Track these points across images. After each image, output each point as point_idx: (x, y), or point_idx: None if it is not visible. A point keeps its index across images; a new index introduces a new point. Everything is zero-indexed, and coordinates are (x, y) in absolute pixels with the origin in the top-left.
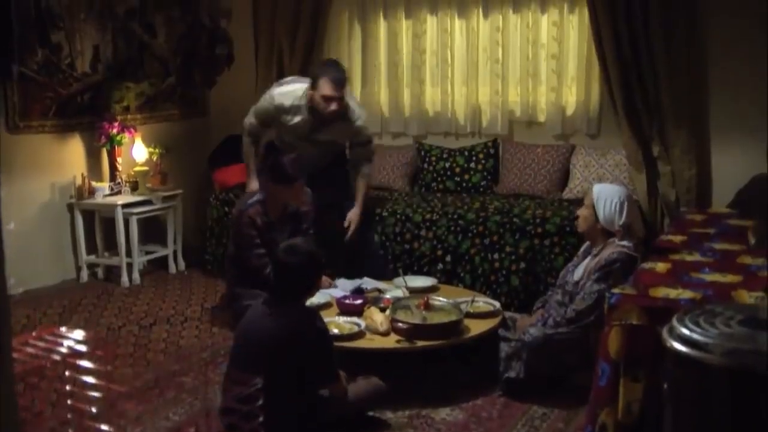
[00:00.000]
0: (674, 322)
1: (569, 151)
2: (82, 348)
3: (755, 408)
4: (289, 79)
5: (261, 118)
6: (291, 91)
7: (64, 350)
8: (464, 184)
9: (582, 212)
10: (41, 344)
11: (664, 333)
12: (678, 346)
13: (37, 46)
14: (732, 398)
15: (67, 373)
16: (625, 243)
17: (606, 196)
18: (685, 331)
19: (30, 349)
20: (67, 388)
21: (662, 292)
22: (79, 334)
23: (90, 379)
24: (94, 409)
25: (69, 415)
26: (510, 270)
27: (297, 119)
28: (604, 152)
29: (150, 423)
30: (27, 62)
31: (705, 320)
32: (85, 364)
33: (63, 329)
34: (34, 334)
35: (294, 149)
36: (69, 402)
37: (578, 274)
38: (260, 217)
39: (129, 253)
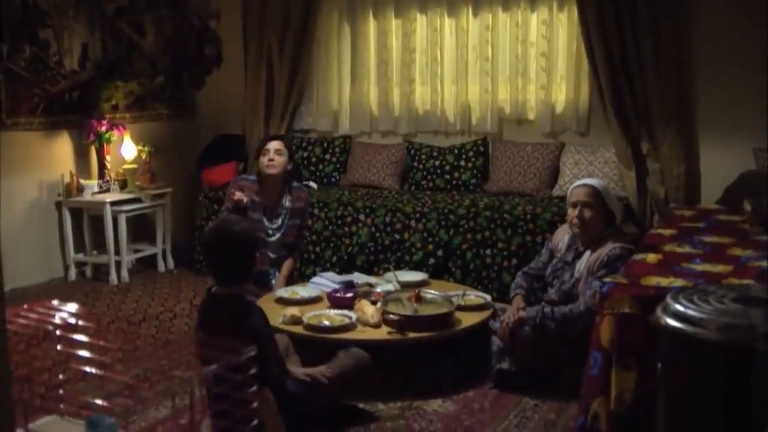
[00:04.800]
0: (668, 299)
1: (559, 149)
2: (74, 320)
3: (748, 384)
4: None
5: None
6: None
7: (57, 321)
8: (454, 182)
9: (586, 213)
10: (33, 315)
11: (658, 311)
12: (672, 322)
13: (25, 42)
14: (725, 374)
15: (59, 347)
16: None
17: (609, 190)
18: (680, 308)
19: (22, 320)
20: (59, 350)
21: (654, 281)
22: (72, 306)
23: (83, 352)
24: (87, 371)
25: (62, 376)
26: (501, 266)
27: None
28: (594, 150)
29: (141, 414)
30: (14, 59)
31: (699, 298)
32: (78, 336)
33: (55, 302)
34: (26, 306)
35: None
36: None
37: (578, 271)
38: (253, 193)
39: (117, 251)
